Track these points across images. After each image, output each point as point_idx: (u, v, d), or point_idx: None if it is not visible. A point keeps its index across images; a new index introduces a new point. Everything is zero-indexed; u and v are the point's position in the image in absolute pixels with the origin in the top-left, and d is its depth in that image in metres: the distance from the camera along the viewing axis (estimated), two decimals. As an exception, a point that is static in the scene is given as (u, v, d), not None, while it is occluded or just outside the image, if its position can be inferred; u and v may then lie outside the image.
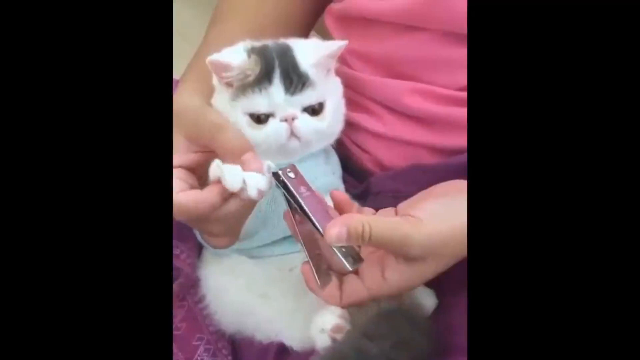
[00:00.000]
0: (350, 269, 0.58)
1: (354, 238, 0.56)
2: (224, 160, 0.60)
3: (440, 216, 0.59)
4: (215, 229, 0.63)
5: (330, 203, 0.62)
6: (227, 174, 0.58)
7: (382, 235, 0.57)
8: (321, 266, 0.59)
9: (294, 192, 0.59)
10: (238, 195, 0.59)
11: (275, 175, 0.59)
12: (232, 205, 0.60)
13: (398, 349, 0.58)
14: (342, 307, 0.60)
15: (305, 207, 0.58)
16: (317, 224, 0.58)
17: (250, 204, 0.61)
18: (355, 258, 0.58)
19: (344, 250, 0.58)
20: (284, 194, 0.59)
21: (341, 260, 0.57)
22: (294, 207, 0.59)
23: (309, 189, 0.59)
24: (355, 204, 0.64)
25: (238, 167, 0.59)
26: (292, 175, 0.59)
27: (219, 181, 0.59)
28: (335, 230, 0.56)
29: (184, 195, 0.59)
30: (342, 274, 0.60)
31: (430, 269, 0.59)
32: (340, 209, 0.62)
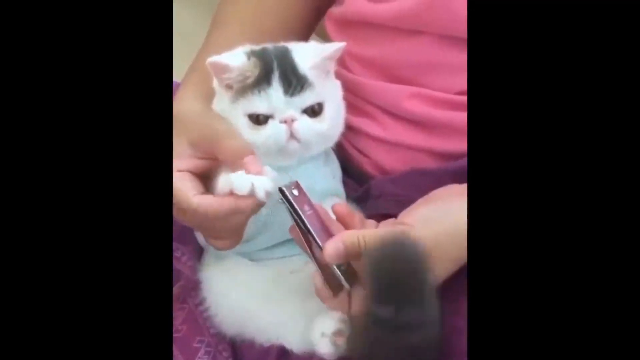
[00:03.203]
0: (348, 286, 0.59)
1: (351, 253, 0.58)
2: (225, 166, 0.60)
3: (430, 221, 0.60)
4: (222, 233, 0.63)
5: (331, 212, 0.63)
6: (235, 179, 0.59)
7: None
8: (332, 279, 0.60)
9: (298, 210, 0.60)
10: (250, 199, 0.59)
11: (280, 191, 0.60)
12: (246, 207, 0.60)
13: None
14: (352, 315, 0.60)
15: (309, 226, 0.60)
16: (319, 242, 0.59)
17: (258, 208, 0.61)
18: (353, 276, 0.59)
19: (343, 268, 0.59)
20: (288, 209, 0.60)
21: (340, 278, 0.59)
22: (298, 223, 0.60)
23: (311, 206, 0.60)
24: (358, 215, 0.64)
25: (243, 172, 0.60)
26: (295, 192, 0.60)
27: (230, 193, 0.59)
28: (332, 248, 0.58)
29: (202, 198, 0.60)
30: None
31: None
32: (343, 222, 0.62)
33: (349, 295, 0.60)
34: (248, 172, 0.60)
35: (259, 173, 0.60)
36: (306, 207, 0.60)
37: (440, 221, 0.60)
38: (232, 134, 0.63)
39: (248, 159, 0.60)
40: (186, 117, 0.66)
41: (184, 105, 0.68)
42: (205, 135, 0.63)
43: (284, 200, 0.60)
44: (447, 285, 0.60)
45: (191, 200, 0.60)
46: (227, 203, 0.60)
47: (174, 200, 0.60)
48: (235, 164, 0.60)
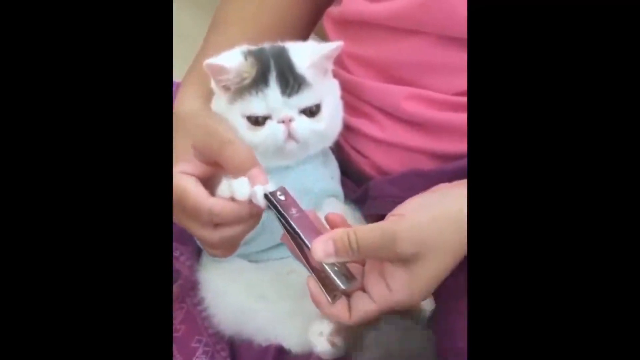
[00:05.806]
0: (343, 287, 0.57)
1: (342, 250, 0.56)
2: (229, 175, 0.59)
3: (423, 207, 0.59)
4: (221, 243, 0.62)
5: (328, 210, 0.62)
6: (235, 184, 0.58)
7: (368, 239, 0.56)
8: (328, 283, 0.58)
9: (284, 213, 0.58)
10: (253, 210, 0.58)
11: (266, 197, 0.58)
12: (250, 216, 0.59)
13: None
14: (352, 324, 0.59)
15: (296, 228, 0.58)
16: (307, 243, 0.57)
17: (258, 219, 0.60)
18: (348, 276, 0.58)
19: (336, 269, 0.57)
20: (276, 216, 0.59)
21: (334, 279, 0.57)
22: (287, 228, 0.59)
23: (299, 210, 0.59)
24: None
25: (245, 179, 0.58)
26: (282, 197, 0.59)
27: (230, 199, 0.58)
28: (321, 246, 0.56)
29: (217, 200, 0.59)
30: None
31: (429, 269, 0.58)
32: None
33: (349, 302, 0.58)
34: (254, 185, 0.58)
35: (265, 184, 0.58)
36: (293, 210, 0.58)
37: (434, 206, 0.59)
38: (236, 141, 0.60)
39: (253, 172, 0.58)
40: (189, 119, 0.65)
41: (186, 106, 0.68)
42: (208, 142, 0.61)
43: (270, 206, 0.58)
44: (447, 285, 0.60)
45: (206, 201, 0.58)
46: (245, 208, 0.58)
47: (182, 201, 0.59)
48: (238, 175, 0.59)
